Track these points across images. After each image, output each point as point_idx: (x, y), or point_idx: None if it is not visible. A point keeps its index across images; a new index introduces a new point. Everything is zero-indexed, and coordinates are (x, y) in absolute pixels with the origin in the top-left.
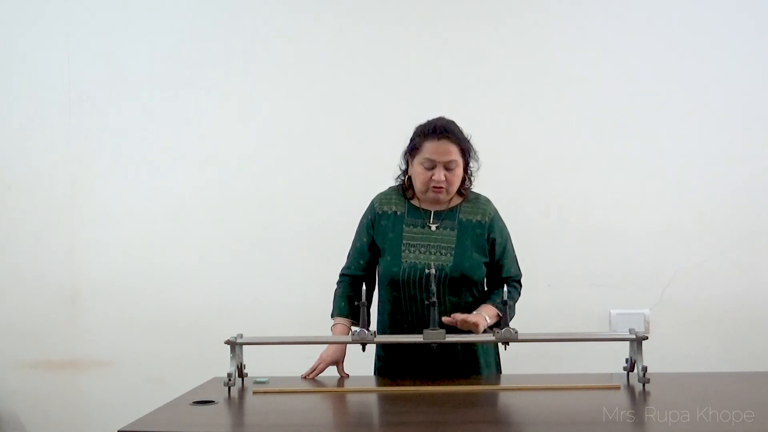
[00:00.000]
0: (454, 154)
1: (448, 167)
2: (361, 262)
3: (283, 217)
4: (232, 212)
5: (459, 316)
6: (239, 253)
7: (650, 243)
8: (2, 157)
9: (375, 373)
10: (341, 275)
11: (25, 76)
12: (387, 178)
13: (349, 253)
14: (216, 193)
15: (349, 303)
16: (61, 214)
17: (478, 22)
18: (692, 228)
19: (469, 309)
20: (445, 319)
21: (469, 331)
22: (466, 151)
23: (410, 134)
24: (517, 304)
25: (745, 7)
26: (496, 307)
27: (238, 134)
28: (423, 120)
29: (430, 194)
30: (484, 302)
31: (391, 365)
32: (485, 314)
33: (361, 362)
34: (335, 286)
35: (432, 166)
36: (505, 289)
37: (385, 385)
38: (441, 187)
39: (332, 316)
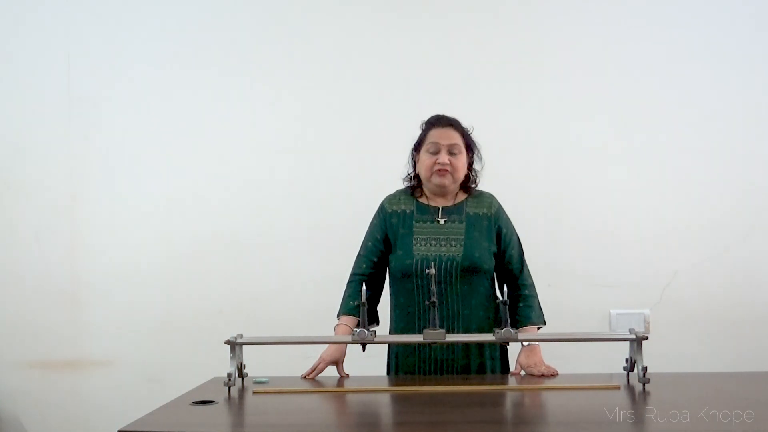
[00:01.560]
0: (457, 139)
1: (451, 152)
2: (374, 260)
3: (283, 218)
4: (232, 212)
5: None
6: (239, 254)
7: (650, 243)
8: (2, 157)
9: (390, 371)
10: (352, 275)
11: (25, 76)
12: (388, 178)
13: (358, 255)
14: (216, 193)
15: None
16: (61, 214)
17: (479, 22)
18: (692, 228)
19: (482, 299)
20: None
21: (466, 331)
22: (469, 145)
23: (413, 134)
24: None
25: (745, 7)
26: (528, 324)
27: (239, 134)
28: (425, 118)
29: (435, 179)
30: (515, 326)
31: (408, 358)
32: (534, 344)
33: (361, 362)
34: (345, 287)
35: (436, 150)
36: (505, 289)
37: (385, 385)
38: (445, 170)
39: (339, 314)
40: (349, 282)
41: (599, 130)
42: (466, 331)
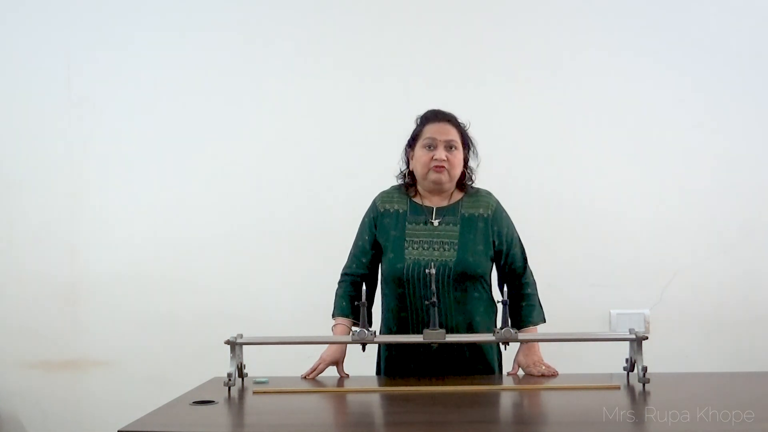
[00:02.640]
0: (454, 135)
1: (448, 148)
2: (363, 260)
3: (283, 218)
4: (233, 212)
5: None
6: (239, 253)
7: (650, 243)
8: (3, 157)
9: (380, 374)
10: (343, 275)
11: (25, 76)
12: (388, 177)
13: (350, 253)
14: (216, 192)
15: (350, 303)
16: (61, 213)
17: (479, 22)
18: (692, 228)
19: (476, 305)
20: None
21: (469, 331)
22: (465, 141)
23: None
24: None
25: (747, 7)
26: (529, 324)
27: (239, 135)
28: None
29: (432, 175)
30: (518, 325)
31: (397, 364)
32: (534, 345)
33: (361, 362)
34: (336, 287)
35: (433, 145)
36: (505, 289)
37: (385, 385)
38: (442, 167)
39: (333, 315)
40: (340, 282)
41: (599, 130)
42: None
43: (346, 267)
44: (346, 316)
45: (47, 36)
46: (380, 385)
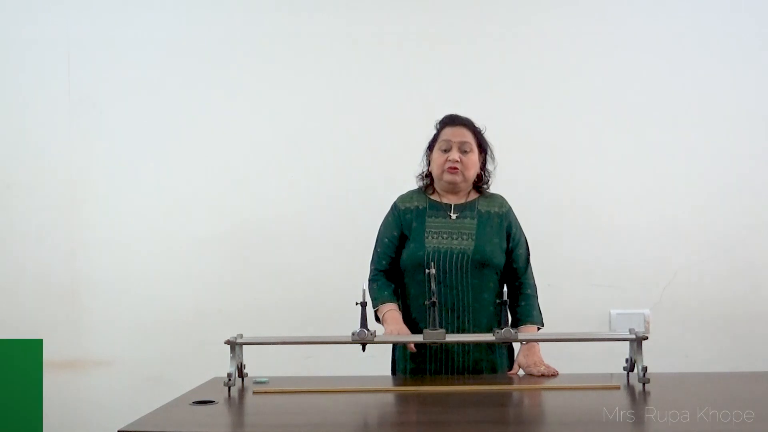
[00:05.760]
0: (469, 137)
1: (462, 150)
2: (393, 256)
3: (284, 218)
4: (233, 212)
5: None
6: (239, 253)
7: (650, 243)
8: (2, 157)
9: (398, 370)
10: (376, 271)
11: (25, 75)
12: (388, 179)
13: (376, 253)
14: (216, 192)
15: (392, 292)
16: (61, 214)
17: (487, 24)
18: (692, 228)
19: (491, 295)
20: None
21: (476, 324)
22: (481, 144)
23: (415, 135)
24: None
25: (744, 6)
26: (528, 322)
27: (239, 134)
28: (429, 121)
29: (447, 176)
30: (516, 323)
31: (422, 362)
32: (534, 345)
33: (361, 362)
34: (370, 284)
35: (448, 148)
36: (505, 289)
37: (385, 385)
38: (456, 168)
39: (378, 304)
40: (374, 279)
41: (599, 130)
42: (477, 324)
43: (376, 264)
44: (393, 302)
45: (47, 36)
46: (380, 385)
